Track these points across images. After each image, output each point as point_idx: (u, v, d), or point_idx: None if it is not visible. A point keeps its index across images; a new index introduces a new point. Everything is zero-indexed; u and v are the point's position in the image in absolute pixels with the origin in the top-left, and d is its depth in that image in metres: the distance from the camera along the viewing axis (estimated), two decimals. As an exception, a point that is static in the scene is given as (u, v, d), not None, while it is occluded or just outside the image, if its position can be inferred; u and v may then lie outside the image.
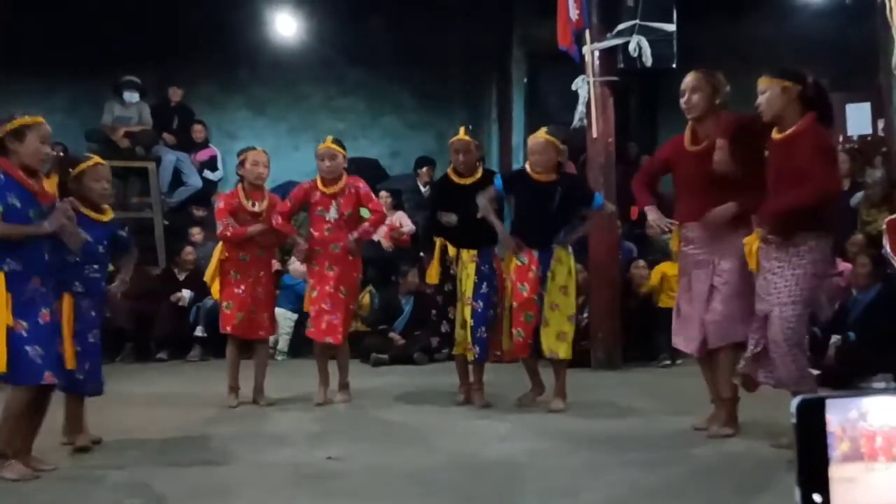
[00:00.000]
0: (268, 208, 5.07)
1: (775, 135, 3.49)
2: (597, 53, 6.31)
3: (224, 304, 5.11)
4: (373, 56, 9.91)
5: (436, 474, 3.33)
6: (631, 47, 6.06)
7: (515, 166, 8.53)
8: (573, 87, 6.43)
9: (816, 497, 0.78)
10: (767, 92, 3.44)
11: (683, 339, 3.99)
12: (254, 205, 5.06)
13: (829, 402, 0.79)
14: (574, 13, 6.24)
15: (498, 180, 4.78)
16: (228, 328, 5.09)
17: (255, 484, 3.29)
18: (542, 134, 4.69)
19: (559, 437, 3.97)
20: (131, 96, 9.18)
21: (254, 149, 5.22)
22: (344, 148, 5.10)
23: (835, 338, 5.50)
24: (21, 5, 8.75)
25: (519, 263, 4.62)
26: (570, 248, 4.70)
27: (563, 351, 4.59)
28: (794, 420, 0.78)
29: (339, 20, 9.63)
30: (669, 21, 6.12)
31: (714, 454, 3.54)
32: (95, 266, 3.83)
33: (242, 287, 5.02)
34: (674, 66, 6.03)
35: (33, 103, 10.09)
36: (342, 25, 9.65)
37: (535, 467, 3.42)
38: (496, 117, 10.15)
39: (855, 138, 9.33)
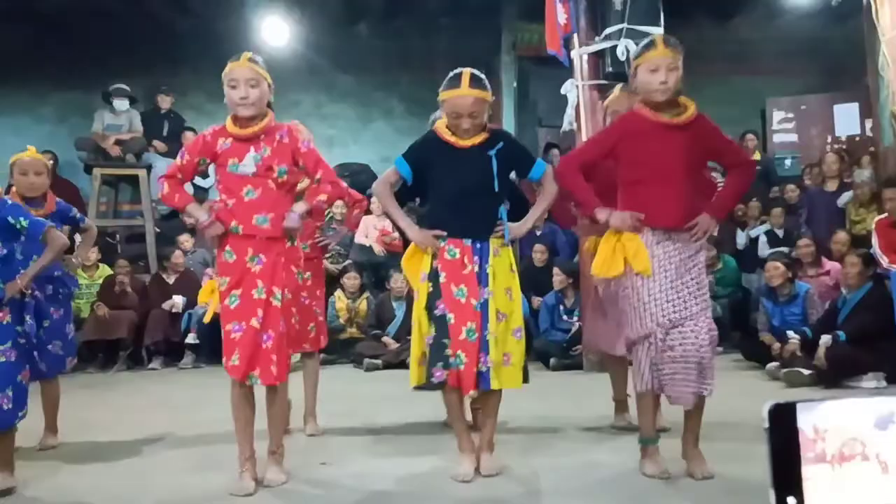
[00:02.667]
0: None
1: (667, 118, 3.08)
2: (585, 57, 6.35)
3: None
4: (362, 63, 9.94)
5: (426, 480, 3.34)
6: (619, 51, 6.09)
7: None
8: (562, 91, 6.46)
9: (790, 499, 0.80)
10: (677, 70, 3.03)
11: (608, 340, 3.91)
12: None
13: (800, 405, 0.80)
14: (562, 17, 6.28)
15: (400, 163, 3.31)
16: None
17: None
18: (465, 89, 3.15)
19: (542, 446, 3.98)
20: (121, 104, 9.18)
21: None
22: (272, 80, 3.40)
23: (825, 337, 5.52)
24: (10, 15, 8.73)
25: (448, 257, 3.21)
26: (509, 242, 3.31)
27: (510, 379, 3.19)
28: (766, 424, 0.80)
29: (328, 28, 9.66)
30: (657, 24, 6.15)
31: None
32: None
33: None
34: (662, 69, 6.06)
35: (23, 112, 10.14)
36: (332, 33, 9.68)
37: (525, 474, 3.43)
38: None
39: (843, 139, 9.41)
